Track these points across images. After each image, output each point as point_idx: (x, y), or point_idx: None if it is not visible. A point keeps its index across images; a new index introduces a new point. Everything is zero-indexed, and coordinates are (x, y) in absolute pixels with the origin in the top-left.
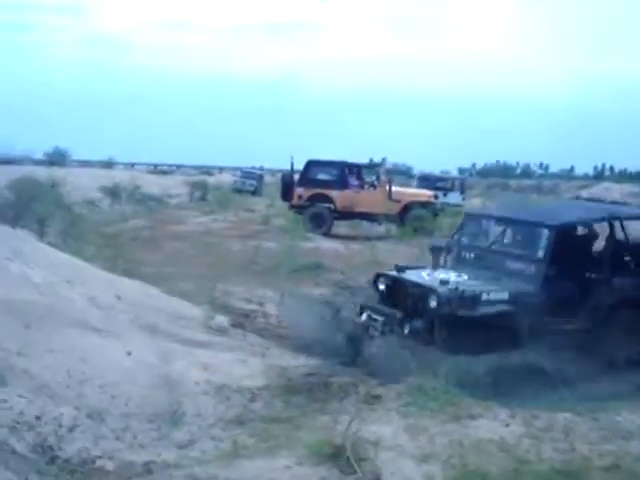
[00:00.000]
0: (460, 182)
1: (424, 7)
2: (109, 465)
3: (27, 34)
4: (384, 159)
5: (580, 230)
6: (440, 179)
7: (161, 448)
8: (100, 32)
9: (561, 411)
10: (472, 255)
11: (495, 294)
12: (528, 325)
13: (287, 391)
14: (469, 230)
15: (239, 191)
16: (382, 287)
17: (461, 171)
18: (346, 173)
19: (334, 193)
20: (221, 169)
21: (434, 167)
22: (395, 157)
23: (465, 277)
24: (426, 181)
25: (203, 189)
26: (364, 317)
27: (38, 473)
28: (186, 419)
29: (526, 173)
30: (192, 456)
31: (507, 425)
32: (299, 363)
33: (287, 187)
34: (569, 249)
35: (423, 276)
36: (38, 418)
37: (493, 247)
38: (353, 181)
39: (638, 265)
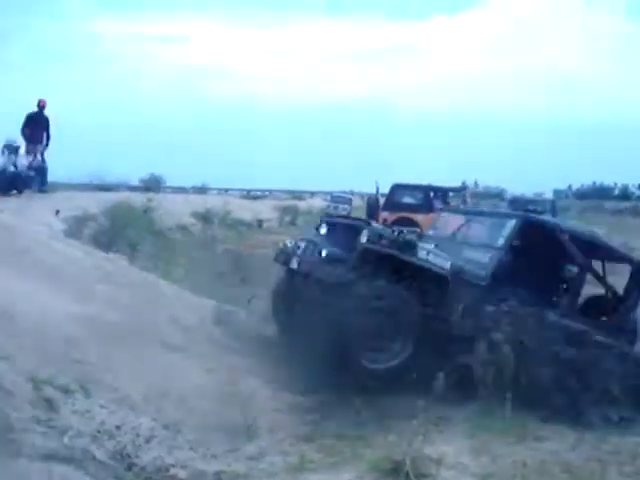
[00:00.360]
0: (551, 204)
1: (515, 26)
2: (182, 473)
3: (124, 63)
4: (475, 182)
5: (550, 235)
6: (530, 202)
7: (232, 459)
8: (195, 61)
9: (631, 435)
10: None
11: (436, 258)
12: (462, 305)
13: (358, 409)
14: (440, 224)
15: None
16: (323, 230)
17: (557, 193)
18: (431, 197)
19: (419, 217)
20: (312, 193)
21: (529, 189)
22: (488, 179)
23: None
24: (516, 204)
25: (293, 214)
26: (290, 244)
27: (115, 478)
28: (258, 433)
29: (624, 195)
30: (261, 468)
31: (574, 448)
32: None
33: (372, 211)
34: (534, 251)
35: None
36: (118, 428)
37: (455, 238)
38: (438, 205)
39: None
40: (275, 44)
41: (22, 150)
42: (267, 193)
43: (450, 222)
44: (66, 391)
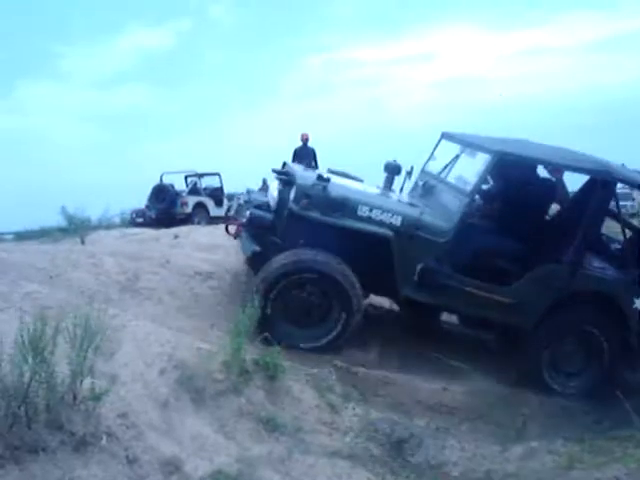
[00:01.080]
0: None
1: None
2: (454, 471)
3: (374, 88)
4: None
5: (534, 175)
6: None
7: (502, 459)
8: (450, 73)
9: None
10: (422, 183)
11: (384, 214)
12: (419, 268)
13: (628, 410)
14: (437, 155)
15: None
16: (275, 183)
17: None
18: None
19: None
20: None
21: None
22: None
23: (387, 197)
24: None
25: None
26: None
27: (392, 473)
28: (529, 436)
29: None
30: (530, 467)
31: None
32: None
33: None
34: (515, 193)
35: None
36: (392, 429)
37: (442, 176)
38: None
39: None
40: (535, 42)
41: None
42: None
43: (445, 153)
44: (346, 397)
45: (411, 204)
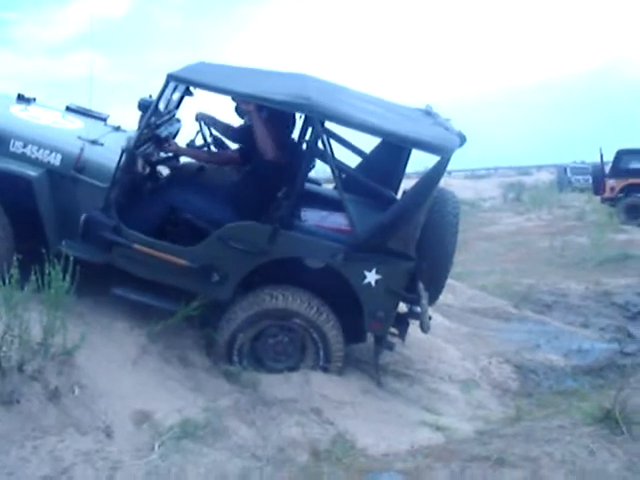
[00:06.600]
0: None
1: None
2: None
3: None
4: None
5: None
6: None
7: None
8: None
9: None
10: None
11: (41, 152)
12: (82, 219)
13: (578, 370)
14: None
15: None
16: None
17: None
18: None
19: None
20: (539, 168)
21: None
22: None
23: (65, 133)
24: None
25: (518, 190)
26: None
27: None
28: (482, 386)
29: None
30: (479, 415)
31: None
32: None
33: (598, 180)
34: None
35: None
36: None
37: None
38: None
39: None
40: None
41: None
42: (492, 171)
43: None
44: None
45: (93, 142)
